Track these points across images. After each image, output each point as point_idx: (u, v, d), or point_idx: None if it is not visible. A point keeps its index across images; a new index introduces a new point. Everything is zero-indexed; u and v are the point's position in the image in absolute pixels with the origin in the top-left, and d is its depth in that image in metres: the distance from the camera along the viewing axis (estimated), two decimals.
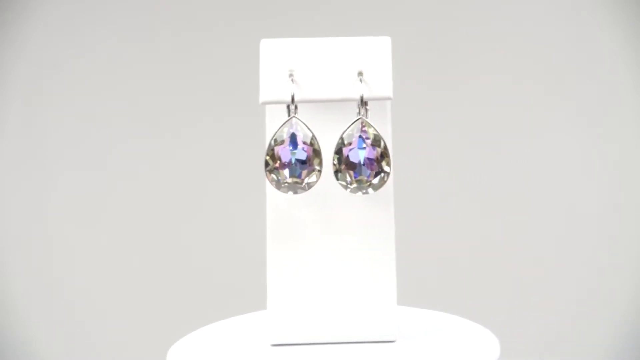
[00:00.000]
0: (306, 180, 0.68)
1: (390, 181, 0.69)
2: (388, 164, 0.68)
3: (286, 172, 0.67)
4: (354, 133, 0.68)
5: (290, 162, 0.67)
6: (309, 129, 0.68)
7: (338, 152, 0.68)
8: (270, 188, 0.70)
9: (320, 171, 0.68)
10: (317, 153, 0.68)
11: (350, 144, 0.68)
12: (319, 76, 0.69)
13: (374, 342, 0.70)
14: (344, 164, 0.68)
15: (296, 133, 0.67)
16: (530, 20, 1.34)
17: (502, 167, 1.35)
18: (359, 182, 0.68)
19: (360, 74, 0.69)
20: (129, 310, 1.32)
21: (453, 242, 1.34)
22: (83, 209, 1.33)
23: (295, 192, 0.68)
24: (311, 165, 0.68)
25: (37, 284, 1.32)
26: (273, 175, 0.68)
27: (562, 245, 1.34)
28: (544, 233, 1.34)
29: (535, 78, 1.34)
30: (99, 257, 1.33)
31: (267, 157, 0.68)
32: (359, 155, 0.68)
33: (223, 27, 1.33)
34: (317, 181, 0.68)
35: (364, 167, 0.68)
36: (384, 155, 0.68)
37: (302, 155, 0.67)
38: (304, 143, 0.68)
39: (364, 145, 0.68)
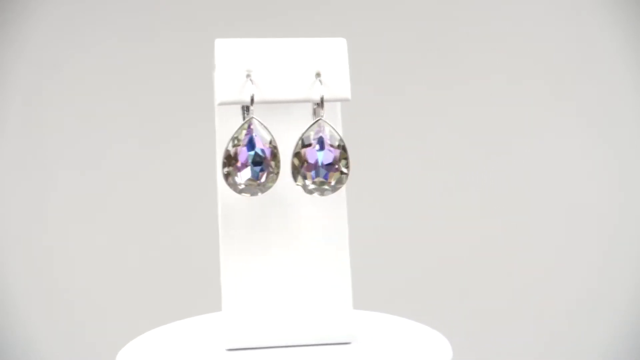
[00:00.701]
0: (264, 182, 0.66)
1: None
2: (347, 166, 0.67)
3: (244, 173, 0.66)
4: (313, 134, 0.67)
5: (247, 163, 0.66)
6: (267, 130, 0.67)
7: (297, 153, 0.67)
8: (222, 189, 0.69)
9: (277, 173, 0.67)
10: (275, 155, 0.66)
11: (309, 145, 0.67)
12: (277, 77, 0.68)
13: (330, 344, 0.69)
14: (303, 166, 0.67)
15: (255, 134, 0.66)
16: (529, 20, 1.34)
17: (499, 168, 1.35)
18: (317, 183, 0.67)
19: (318, 75, 0.68)
20: (128, 310, 1.32)
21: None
22: (83, 208, 1.33)
23: (252, 195, 0.67)
24: (269, 167, 0.66)
25: (37, 284, 1.32)
26: (230, 178, 0.66)
27: (561, 246, 1.34)
28: (544, 233, 1.34)
29: (535, 78, 1.34)
30: (99, 257, 1.33)
31: (224, 159, 0.66)
32: (318, 156, 0.67)
33: (222, 26, 1.33)
34: (274, 183, 0.67)
35: (323, 169, 0.67)
36: (343, 156, 0.67)
37: (261, 157, 0.66)
38: (263, 144, 0.66)
39: (324, 147, 0.67)
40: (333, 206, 0.70)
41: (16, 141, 1.32)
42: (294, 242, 0.70)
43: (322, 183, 0.67)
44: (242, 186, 0.66)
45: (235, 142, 0.66)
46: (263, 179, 0.66)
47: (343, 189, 0.69)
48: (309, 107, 0.70)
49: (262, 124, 0.67)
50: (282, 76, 0.68)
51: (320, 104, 0.68)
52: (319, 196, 0.68)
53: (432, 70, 1.35)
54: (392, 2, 1.35)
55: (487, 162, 1.35)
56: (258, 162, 0.66)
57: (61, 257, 1.33)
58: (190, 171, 1.32)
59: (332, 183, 0.67)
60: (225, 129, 0.70)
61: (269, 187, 0.67)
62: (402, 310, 0.90)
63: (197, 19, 1.34)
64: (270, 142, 0.67)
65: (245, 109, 0.68)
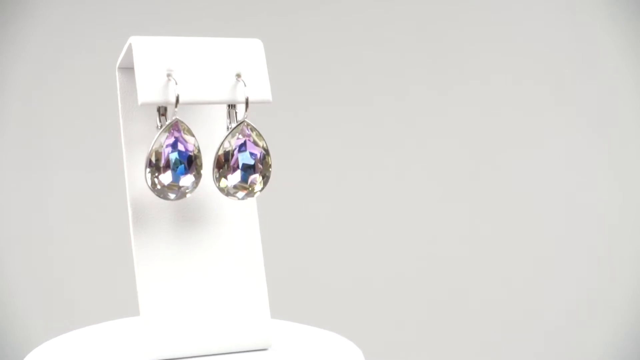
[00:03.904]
0: (186, 185, 0.64)
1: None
2: (268, 169, 0.66)
3: (166, 176, 0.63)
4: (236, 136, 0.65)
5: (170, 165, 0.63)
6: (191, 132, 0.65)
7: (219, 156, 0.65)
8: (132, 193, 0.66)
9: (200, 175, 0.64)
10: (197, 157, 0.64)
11: (232, 147, 0.65)
12: (198, 77, 0.65)
13: (247, 351, 0.67)
14: (224, 168, 0.65)
15: (178, 136, 0.64)
16: (529, 21, 1.34)
17: (500, 168, 1.35)
18: (239, 187, 0.65)
19: (239, 75, 0.66)
20: (128, 309, 1.32)
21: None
22: (82, 208, 1.33)
23: (175, 198, 0.65)
24: (192, 169, 0.64)
25: (37, 284, 1.32)
26: (153, 181, 0.63)
27: (561, 245, 1.34)
28: (544, 233, 1.34)
29: (535, 79, 1.34)
30: (99, 257, 1.33)
31: (148, 161, 0.64)
32: (242, 159, 0.65)
33: (223, 26, 1.33)
34: (196, 187, 0.65)
35: (245, 172, 0.65)
36: (265, 160, 0.66)
37: (184, 160, 0.63)
38: (187, 147, 0.64)
39: (247, 149, 0.65)
40: (248, 211, 0.69)
41: (16, 141, 1.32)
42: (210, 247, 0.68)
43: (242, 187, 0.65)
44: (164, 190, 0.64)
45: (158, 144, 0.64)
46: (186, 183, 0.64)
47: (257, 194, 0.67)
48: (225, 108, 0.68)
49: (185, 125, 0.65)
50: (203, 77, 0.65)
51: (246, 105, 0.65)
52: (238, 199, 0.66)
53: (431, 72, 1.35)
54: (392, 3, 1.35)
55: (487, 162, 1.35)
56: (181, 164, 0.64)
57: (61, 257, 1.33)
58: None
59: (253, 186, 0.65)
60: (131, 130, 0.67)
61: (192, 190, 0.65)
62: (319, 319, 0.90)
63: (198, 19, 1.34)
64: (194, 144, 0.65)
65: (162, 111, 0.66)
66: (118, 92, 0.70)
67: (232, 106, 0.66)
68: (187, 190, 0.64)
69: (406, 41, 1.35)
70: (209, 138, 0.68)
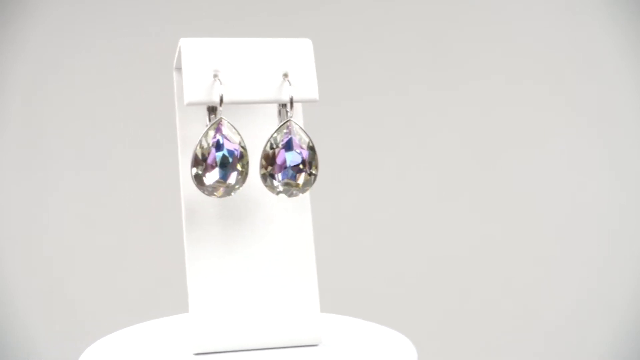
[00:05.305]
0: (232, 184, 0.65)
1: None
2: (316, 167, 0.67)
3: (212, 175, 0.65)
4: (282, 135, 0.66)
5: (216, 164, 0.64)
6: (236, 130, 0.66)
7: (266, 154, 0.66)
8: (185, 192, 0.68)
9: (246, 174, 0.65)
10: (243, 156, 0.65)
11: (278, 146, 0.66)
12: (244, 77, 0.67)
13: (297, 346, 0.68)
14: (271, 167, 0.66)
15: (223, 135, 0.65)
16: (529, 21, 1.34)
17: (499, 168, 1.35)
18: (285, 185, 0.66)
19: (286, 75, 0.67)
20: (128, 310, 1.32)
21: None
22: (82, 208, 1.33)
23: (220, 196, 0.65)
24: (238, 168, 0.65)
25: (37, 284, 1.32)
26: (199, 179, 0.65)
27: (561, 246, 1.34)
28: (544, 233, 1.35)
29: (535, 78, 1.34)
30: (99, 257, 1.33)
31: (193, 160, 0.65)
32: (287, 158, 0.66)
33: (223, 26, 1.33)
34: (242, 185, 0.66)
35: (292, 170, 0.66)
36: (311, 158, 0.66)
37: (229, 158, 0.65)
38: (232, 145, 0.65)
39: (293, 148, 0.66)
40: (299, 208, 0.69)
41: (16, 141, 1.32)
42: (260, 244, 0.69)
43: (289, 184, 0.66)
44: (211, 187, 0.65)
45: (204, 143, 0.65)
46: (232, 180, 0.65)
47: (309, 190, 0.68)
48: (275, 108, 0.69)
49: (230, 124, 0.66)
50: (249, 77, 0.67)
51: (290, 104, 0.66)
52: (286, 197, 0.67)
53: (432, 71, 1.35)
54: (392, 3, 1.35)
55: (486, 162, 1.35)
56: (226, 163, 0.65)
57: (61, 257, 1.33)
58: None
59: (300, 184, 0.66)
60: (187, 130, 0.69)
61: (238, 189, 0.66)
62: (371, 314, 0.90)
63: (197, 19, 1.34)
64: (239, 143, 0.66)
65: (212, 110, 0.67)
66: (175, 92, 0.71)
67: (283, 105, 0.67)
68: (233, 188, 0.66)
69: (406, 41, 1.35)
70: (259, 137, 0.69)
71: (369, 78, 1.35)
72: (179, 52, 0.69)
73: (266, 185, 0.67)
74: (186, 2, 1.34)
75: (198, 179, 0.65)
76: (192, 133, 0.69)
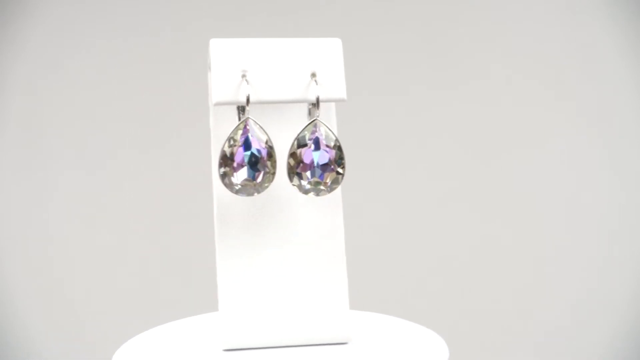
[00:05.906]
0: (260, 182, 0.66)
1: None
2: (342, 166, 0.67)
3: (240, 174, 0.66)
4: (309, 134, 0.67)
5: (244, 163, 0.66)
6: (263, 130, 0.67)
7: (293, 153, 0.67)
8: (217, 190, 0.69)
9: (274, 173, 0.66)
10: (271, 155, 0.66)
11: (305, 145, 0.67)
12: (272, 77, 0.68)
13: (327, 344, 0.69)
14: (299, 166, 0.67)
15: (251, 134, 0.66)
16: (529, 20, 1.34)
17: (499, 168, 1.35)
18: (314, 184, 0.67)
19: (314, 75, 0.68)
20: (127, 310, 1.32)
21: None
22: (83, 208, 1.33)
23: (248, 195, 0.66)
24: (265, 167, 0.66)
25: (37, 284, 1.32)
26: (227, 179, 0.66)
27: (561, 246, 1.34)
28: (544, 233, 1.34)
29: (535, 78, 1.34)
30: (99, 257, 1.33)
31: (220, 159, 0.66)
32: (314, 156, 0.67)
33: (223, 26, 1.33)
34: (270, 183, 0.67)
35: (319, 169, 0.66)
36: (339, 157, 0.67)
37: (257, 157, 0.65)
38: (259, 144, 0.66)
39: (320, 147, 0.67)
40: (329, 206, 0.70)
41: (16, 141, 1.32)
42: (289, 242, 0.69)
43: (317, 183, 0.67)
44: (239, 186, 0.66)
45: (232, 142, 0.66)
46: (259, 179, 0.66)
47: (339, 189, 0.69)
48: (304, 107, 0.70)
49: (257, 124, 0.67)
50: (277, 76, 0.68)
51: (316, 104, 0.67)
52: (314, 196, 0.67)
53: (432, 71, 1.35)
54: (392, 3, 1.35)
55: (486, 162, 1.35)
56: (254, 162, 0.66)
57: (61, 257, 1.33)
58: (187, 171, 1.32)
59: (328, 183, 0.67)
60: (220, 129, 0.69)
61: (266, 187, 0.67)
62: (399, 311, 0.90)
63: (198, 19, 1.34)
64: (266, 142, 0.66)
65: (241, 110, 0.68)
66: (209, 91, 0.71)
67: (313, 105, 0.68)
68: (261, 187, 0.66)
69: (406, 41, 1.35)
70: (288, 137, 0.70)
71: (369, 78, 1.35)
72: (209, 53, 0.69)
73: (294, 185, 0.67)
74: (186, 2, 1.34)
75: (225, 178, 0.66)
76: (225, 132, 0.69)
